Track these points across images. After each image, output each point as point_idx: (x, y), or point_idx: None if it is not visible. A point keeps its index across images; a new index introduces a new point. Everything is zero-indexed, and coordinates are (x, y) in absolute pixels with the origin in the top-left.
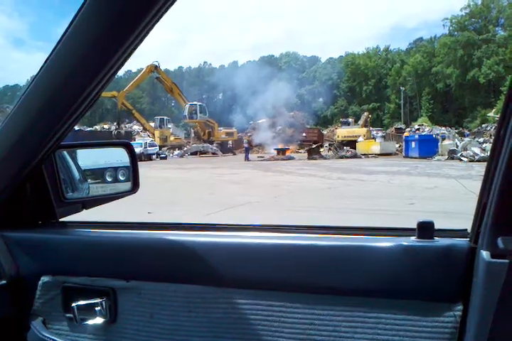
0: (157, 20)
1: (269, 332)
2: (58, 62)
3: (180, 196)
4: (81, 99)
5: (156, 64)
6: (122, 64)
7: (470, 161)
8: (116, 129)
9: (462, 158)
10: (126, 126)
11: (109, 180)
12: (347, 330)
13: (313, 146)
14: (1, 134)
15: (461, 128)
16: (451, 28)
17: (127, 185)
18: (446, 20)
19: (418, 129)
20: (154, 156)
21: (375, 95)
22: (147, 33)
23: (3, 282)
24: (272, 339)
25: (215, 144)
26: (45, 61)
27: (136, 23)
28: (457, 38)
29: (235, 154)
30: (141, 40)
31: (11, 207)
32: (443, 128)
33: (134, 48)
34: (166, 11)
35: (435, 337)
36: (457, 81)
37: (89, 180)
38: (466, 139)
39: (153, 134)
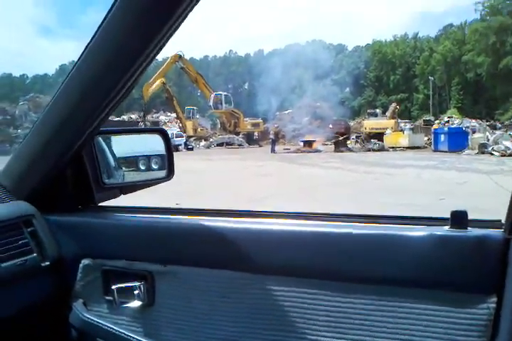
0: (192, 7)
1: (302, 319)
2: (98, 50)
3: (207, 188)
4: (120, 85)
5: (181, 54)
6: (159, 51)
7: (502, 156)
8: (142, 121)
9: (493, 152)
10: (153, 116)
11: (142, 168)
12: (379, 319)
13: (340, 138)
14: (44, 120)
15: (492, 121)
16: (483, 12)
17: (162, 172)
18: (478, 4)
19: (447, 121)
20: (181, 147)
21: (403, 85)
22: (183, 20)
23: (47, 263)
24: (306, 326)
25: (241, 135)
26: (85, 48)
27: (172, 10)
28: (489, 23)
29: (260, 146)
30: (177, 27)
31: (52, 191)
32: (473, 120)
33: (170, 35)
34: None
35: (468, 328)
36: (489, 70)
37: (123, 168)
38: (498, 132)
39: (185, 125)
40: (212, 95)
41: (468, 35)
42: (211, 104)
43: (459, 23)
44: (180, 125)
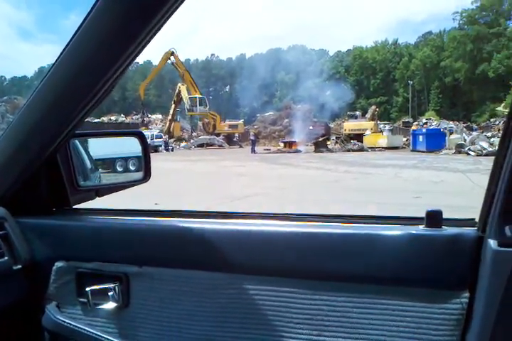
0: (173, 12)
1: (277, 318)
2: (75, 52)
3: (187, 188)
4: (97, 88)
5: (173, 50)
6: (138, 54)
7: (478, 155)
8: (141, 117)
9: (470, 152)
10: (133, 117)
11: (119, 169)
12: (355, 316)
13: (320, 139)
14: (18, 122)
15: (469, 123)
16: (461, 21)
17: (139, 174)
18: (456, 14)
19: (426, 123)
20: (161, 148)
21: (383, 89)
22: (163, 23)
23: (19, 266)
24: (280, 324)
25: (221, 136)
26: (62, 51)
27: (153, 14)
28: (467, 31)
29: (241, 146)
30: (156, 31)
31: (26, 194)
32: (451, 122)
33: (150, 39)
34: (181, 2)
35: (441, 323)
36: (466, 75)
37: (99, 170)
38: (474, 133)
39: (174, 126)
40: (188, 98)
41: (447, 43)
42: (186, 106)
43: (438, 31)
44: (166, 126)
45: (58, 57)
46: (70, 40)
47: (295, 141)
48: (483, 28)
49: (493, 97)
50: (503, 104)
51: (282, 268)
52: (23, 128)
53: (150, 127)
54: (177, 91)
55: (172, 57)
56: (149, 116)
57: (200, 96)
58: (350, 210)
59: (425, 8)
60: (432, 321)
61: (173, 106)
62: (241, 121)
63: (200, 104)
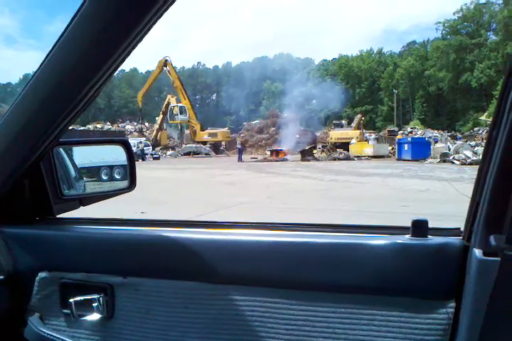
0: (157, 19)
1: (265, 329)
2: (59, 59)
3: (174, 196)
4: (81, 95)
5: (167, 58)
6: (122, 61)
7: (462, 164)
8: (138, 124)
9: (454, 161)
10: (120, 125)
11: (104, 178)
12: (342, 327)
13: (307, 148)
14: (0, 129)
15: (453, 132)
16: (443, 31)
17: (124, 183)
18: (439, 24)
19: (411, 132)
20: (147, 156)
21: (369, 97)
22: (147, 31)
23: (1, 277)
24: (268, 336)
25: (208, 145)
26: (46, 57)
27: (136, 22)
28: (450, 41)
29: (228, 155)
30: (141, 38)
31: (8, 203)
32: (435, 131)
33: (134, 46)
34: (166, 9)
35: (428, 333)
36: (449, 84)
37: (84, 178)
38: (459, 142)
39: (160, 135)
40: (170, 106)
41: (430, 52)
42: (168, 115)
43: (422, 41)
44: (153, 135)
45: (42, 64)
46: (54, 47)
47: (282, 150)
48: (465, 39)
49: (476, 107)
50: (485, 114)
51: (268, 278)
52: (6, 136)
53: (144, 134)
54: (166, 102)
55: (167, 66)
56: (135, 124)
57: (181, 104)
58: (336, 219)
59: (409, 18)
60: (419, 331)
61: (161, 116)
62: (226, 129)
63: (181, 113)
